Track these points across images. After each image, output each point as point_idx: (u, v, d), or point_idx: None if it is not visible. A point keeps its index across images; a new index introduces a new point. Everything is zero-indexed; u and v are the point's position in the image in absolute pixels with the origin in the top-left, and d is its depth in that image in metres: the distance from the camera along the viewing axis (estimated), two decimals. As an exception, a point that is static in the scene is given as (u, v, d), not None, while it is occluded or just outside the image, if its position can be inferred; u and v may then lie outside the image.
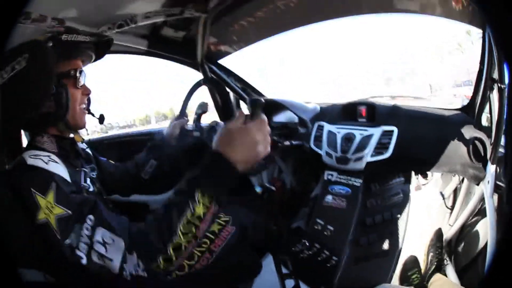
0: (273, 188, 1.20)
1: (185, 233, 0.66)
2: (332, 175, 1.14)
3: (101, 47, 0.98)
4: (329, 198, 1.11)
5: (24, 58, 0.72)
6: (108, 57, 1.05)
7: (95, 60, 0.99)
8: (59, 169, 0.73)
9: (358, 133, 1.15)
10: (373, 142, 1.12)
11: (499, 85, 0.91)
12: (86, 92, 0.89)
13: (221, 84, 1.04)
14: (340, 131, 1.18)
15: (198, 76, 1.49)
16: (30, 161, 0.71)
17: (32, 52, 0.73)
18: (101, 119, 1.00)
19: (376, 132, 1.14)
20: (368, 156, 1.11)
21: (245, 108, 1.53)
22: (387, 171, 1.16)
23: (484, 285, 0.54)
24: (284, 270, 1.15)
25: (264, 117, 0.74)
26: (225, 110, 0.99)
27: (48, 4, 0.94)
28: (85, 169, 0.89)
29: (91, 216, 0.67)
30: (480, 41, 1.00)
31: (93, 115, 0.96)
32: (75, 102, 0.85)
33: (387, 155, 1.10)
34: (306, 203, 1.16)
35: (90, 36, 0.91)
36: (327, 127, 1.21)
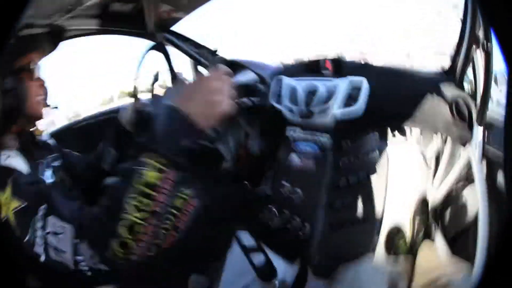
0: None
1: (138, 208, 0.56)
2: (294, 130, 1.03)
3: (56, 36, 0.96)
4: (294, 157, 1.00)
5: None
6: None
7: (50, 52, 0.97)
8: (18, 162, 0.72)
9: (322, 83, 1.05)
10: (339, 93, 1.02)
11: (485, 44, 0.83)
12: (41, 83, 0.88)
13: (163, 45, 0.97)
14: (301, 83, 1.08)
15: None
16: None
17: None
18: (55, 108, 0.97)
19: (342, 83, 1.04)
20: (334, 107, 1.01)
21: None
22: (358, 127, 1.07)
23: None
24: (249, 242, 1.04)
25: (223, 67, 0.69)
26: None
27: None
28: (45, 160, 0.88)
29: (43, 205, 0.62)
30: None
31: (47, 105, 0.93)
32: (32, 95, 0.84)
33: (356, 107, 1.01)
34: (270, 166, 1.05)
35: (43, 27, 0.90)
36: (286, 80, 1.11)
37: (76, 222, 0.60)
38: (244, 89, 1.15)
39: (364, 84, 1.03)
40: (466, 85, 1.00)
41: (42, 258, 0.58)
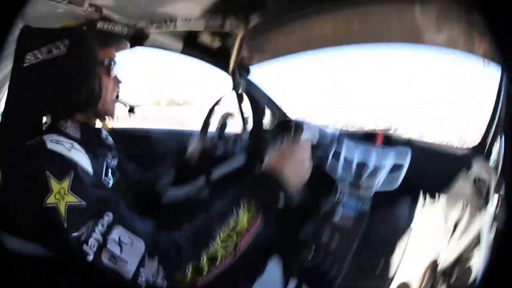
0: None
1: (225, 243, 0.65)
2: (343, 195, 1.26)
3: (136, 40, 0.99)
4: (336, 218, 1.24)
5: (65, 44, 0.70)
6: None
7: (128, 51, 0.98)
8: (82, 158, 0.68)
9: (371, 161, 1.25)
10: (384, 172, 1.23)
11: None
12: (118, 81, 0.88)
13: (253, 95, 1.07)
14: (356, 157, 1.28)
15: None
16: (50, 145, 0.66)
17: (74, 40, 0.71)
18: (131, 109, 0.99)
19: (387, 163, 1.23)
20: (378, 185, 1.22)
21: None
22: (394, 197, 1.27)
23: None
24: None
25: (309, 140, 0.84)
26: (256, 123, 1.02)
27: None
28: (107, 160, 0.87)
29: (109, 213, 0.63)
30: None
31: (124, 105, 0.96)
32: (106, 91, 0.83)
33: (395, 187, 1.21)
34: (314, 218, 1.28)
35: (127, 28, 0.91)
36: (343, 152, 1.31)
37: (150, 240, 0.62)
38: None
39: (405, 164, 1.22)
40: (492, 163, 1.08)
41: (90, 258, 0.59)
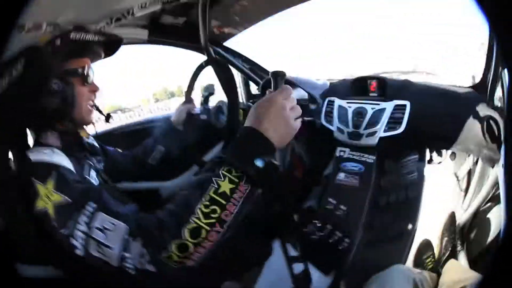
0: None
1: (207, 214, 0.59)
2: (344, 151, 1.09)
3: (111, 46, 0.97)
4: (341, 175, 1.06)
5: (21, 63, 0.71)
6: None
7: (104, 57, 0.98)
8: (63, 160, 0.72)
9: (370, 107, 1.10)
10: (385, 117, 1.08)
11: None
12: (94, 89, 0.87)
13: (224, 63, 1.00)
14: (351, 105, 1.13)
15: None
16: (33, 156, 0.69)
17: (28, 57, 0.72)
18: (108, 118, 0.99)
19: (388, 106, 1.09)
20: (381, 131, 1.06)
21: (254, 89, 1.50)
22: (400, 148, 1.11)
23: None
24: (293, 253, 1.09)
25: (288, 86, 0.67)
26: (231, 89, 0.94)
27: (44, 8, 0.87)
28: (90, 162, 0.88)
29: (91, 203, 0.63)
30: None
31: (101, 112, 0.95)
32: (81, 100, 0.83)
33: (400, 130, 1.06)
34: (318, 182, 1.11)
35: (99, 35, 0.89)
36: (337, 102, 1.16)
37: (133, 222, 0.61)
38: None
39: (407, 107, 1.07)
40: (497, 102, 1.01)
41: (79, 251, 0.59)
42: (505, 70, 0.87)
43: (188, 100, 1.22)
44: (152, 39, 1.49)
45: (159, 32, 1.47)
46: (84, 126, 0.90)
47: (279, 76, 0.71)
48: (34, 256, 0.65)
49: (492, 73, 1.00)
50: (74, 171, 0.71)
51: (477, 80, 1.11)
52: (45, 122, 0.79)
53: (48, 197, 0.63)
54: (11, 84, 0.70)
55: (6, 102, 0.70)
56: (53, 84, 0.78)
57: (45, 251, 0.64)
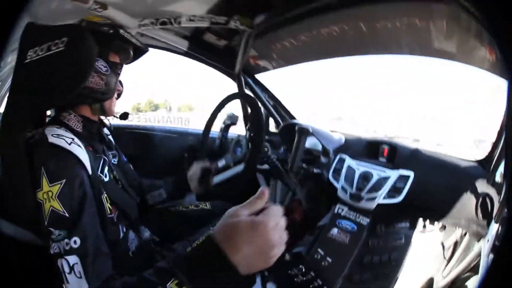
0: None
1: None
2: (342, 209, 1.16)
3: (139, 52, 1.03)
4: (334, 231, 1.13)
5: (63, 41, 0.72)
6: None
7: (129, 63, 1.04)
8: (81, 153, 0.73)
9: (376, 173, 1.17)
10: (388, 185, 1.14)
11: None
12: (119, 87, 0.94)
13: (255, 101, 1.03)
14: (360, 168, 1.20)
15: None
16: (52, 139, 0.71)
17: (72, 38, 0.73)
18: (124, 116, 1.03)
19: (393, 175, 1.15)
20: (380, 197, 1.13)
21: (272, 126, 1.55)
22: (395, 215, 1.18)
23: None
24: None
25: (279, 208, 0.56)
26: (256, 126, 0.97)
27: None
28: (105, 157, 0.91)
29: (78, 240, 0.66)
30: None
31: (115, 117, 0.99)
32: (115, 92, 0.91)
33: (399, 199, 1.12)
34: (312, 231, 1.18)
35: (132, 36, 0.95)
36: (348, 161, 1.23)
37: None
38: (306, 154, 1.28)
39: (410, 179, 1.14)
40: (498, 178, 1.03)
41: (51, 251, 0.66)
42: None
43: (206, 135, 1.23)
44: (190, 53, 1.55)
45: (198, 47, 1.54)
46: (106, 117, 0.95)
47: (303, 133, 0.72)
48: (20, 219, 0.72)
49: (499, 150, 1.03)
50: (89, 168, 0.75)
51: (484, 154, 1.15)
52: (79, 99, 0.82)
53: (49, 197, 0.66)
54: (46, 57, 0.71)
55: (36, 73, 0.72)
56: (102, 65, 0.83)
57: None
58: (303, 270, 1.11)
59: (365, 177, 1.17)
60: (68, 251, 0.66)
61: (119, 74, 0.90)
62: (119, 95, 0.96)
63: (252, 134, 0.97)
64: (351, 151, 1.27)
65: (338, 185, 1.19)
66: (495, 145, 1.07)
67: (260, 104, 1.47)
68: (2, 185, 0.71)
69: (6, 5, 0.53)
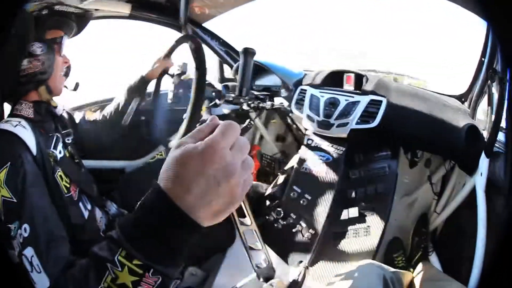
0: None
1: None
2: (312, 140, 1.06)
3: (82, 21, 1.00)
4: (307, 164, 1.03)
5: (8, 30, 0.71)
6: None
7: (75, 34, 1.01)
8: (25, 134, 0.74)
9: (344, 98, 1.08)
10: (359, 109, 1.06)
11: (500, 76, 0.85)
12: (66, 60, 0.92)
13: (198, 40, 0.97)
14: (324, 95, 1.10)
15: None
16: (0, 126, 0.73)
17: (13, 22, 0.70)
18: (76, 86, 1.01)
19: (363, 100, 1.07)
20: (352, 122, 1.04)
21: (228, 72, 1.47)
22: (372, 142, 1.10)
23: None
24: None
25: (233, 123, 0.39)
26: (200, 64, 0.91)
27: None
28: (58, 134, 0.91)
29: (26, 226, 0.65)
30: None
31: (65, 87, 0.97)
32: (57, 69, 0.88)
33: (373, 124, 1.04)
34: (283, 170, 1.08)
35: (74, 8, 0.93)
36: (310, 90, 1.14)
37: (54, 283, 0.64)
38: (266, 91, 1.18)
39: (383, 104, 1.05)
40: (480, 115, 1.02)
41: (15, 252, 0.64)
42: (493, 83, 0.90)
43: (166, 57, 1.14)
44: (133, 15, 1.46)
45: (140, 7, 1.45)
46: (54, 98, 0.92)
47: (249, 54, 0.64)
48: None
49: (479, 85, 1.00)
50: (34, 148, 0.74)
51: (462, 90, 1.12)
52: (23, 87, 0.83)
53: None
54: None
55: None
56: (37, 47, 0.82)
57: None
58: (282, 213, 1.00)
59: (332, 103, 1.08)
60: (22, 243, 0.64)
61: (59, 49, 0.89)
62: (67, 72, 0.94)
63: (196, 72, 0.88)
64: (312, 83, 1.18)
65: (303, 115, 1.10)
66: (474, 80, 1.03)
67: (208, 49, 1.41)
68: None
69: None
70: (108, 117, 1.13)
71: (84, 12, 0.98)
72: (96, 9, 1.42)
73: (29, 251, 0.64)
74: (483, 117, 1.02)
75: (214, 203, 0.36)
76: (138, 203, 0.38)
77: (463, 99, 1.11)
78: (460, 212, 1.09)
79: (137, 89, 1.14)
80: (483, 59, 0.98)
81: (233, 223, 1.09)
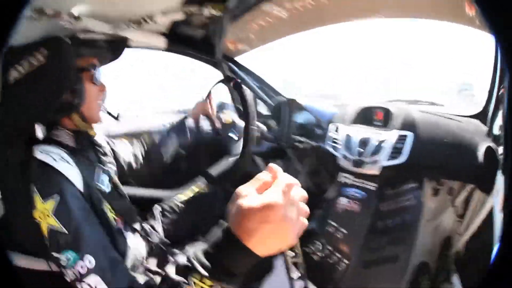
0: None
1: None
2: (347, 177, 1.14)
3: (117, 47, 1.00)
4: (344, 200, 1.11)
5: (43, 54, 0.73)
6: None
7: (111, 60, 1.01)
8: (70, 169, 0.73)
9: (374, 136, 1.15)
10: (387, 146, 1.12)
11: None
12: (102, 88, 0.90)
13: (240, 84, 1.01)
14: (357, 133, 1.17)
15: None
16: (40, 156, 0.71)
17: (52, 49, 0.74)
18: (118, 116, 1.01)
19: (391, 137, 1.13)
20: (383, 160, 1.11)
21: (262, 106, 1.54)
22: (401, 176, 1.16)
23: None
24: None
25: (289, 178, 0.50)
26: (246, 108, 0.95)
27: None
28: (102, 165, 0.90)
29: (91, 258, 0.65)
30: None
31: (110, 114, 0.98)
32: (91, 97, 0.86)
33: (401, 160, 1.10)
34: (319, 205, 1.16)
35: (105, 35, 0.93)
36: (343, 129, 1.21)
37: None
38: (301, 129, 1.25)
39: (409, 138, 1.12)
40: (496, 131, 1.04)
41: (67, 278, 0.65)
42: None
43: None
44: (170, 49, 1.51)
45: (176, 41, 1.49)
46: (93, 125, 0.91)
47: (294, 105, 0.69)
48: (29, 247, 0.73)
49: (493, 102, 1.03)
50: (80, 182, 0.73)
51: (478, 110, 1.15)
52: (55, 115, 0.81)
53: (44, 216, 0.65)
54: (29, 73, 0.72)
55: (23, 91, 0.72)
56: (66, 78, 0.78)
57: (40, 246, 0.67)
58: (320, 246, 1.08)
59: (363, 142, 1.14)
60: (85, 274, 0.65)
61: (91, 77, 0.86)
62: (102, 98, 0.93)
63: (243, 112, 0.94)
64: (344, 120, 1.25)
65: (338, 154, 1.17)
66: (488, 98, 1.06)
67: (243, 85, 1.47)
68: (6, 215, 0.74)
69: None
70: (151, 154, 1.16)
71: (116, 37, 0.98)
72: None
73: (94, 279, 0.65)
74: (498, 132, 1.03)
75: (271, 242, 0.47)
76: (211, 241, 0.51)
77: (480, 118, 1.14)
78: (479, 231, 1.13)
79: (179, 129, 1.19)
80: (494, 74, 1.01)
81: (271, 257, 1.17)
